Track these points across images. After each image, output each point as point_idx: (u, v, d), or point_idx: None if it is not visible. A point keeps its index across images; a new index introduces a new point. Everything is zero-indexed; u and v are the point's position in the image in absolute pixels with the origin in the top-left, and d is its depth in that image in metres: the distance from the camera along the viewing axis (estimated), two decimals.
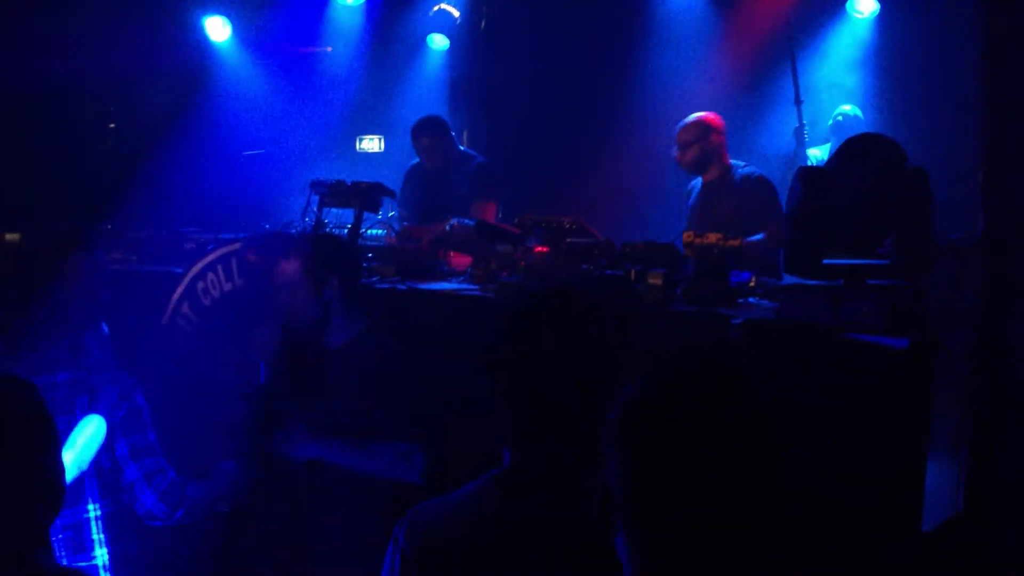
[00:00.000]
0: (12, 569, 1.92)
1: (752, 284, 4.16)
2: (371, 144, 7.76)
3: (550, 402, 1.96)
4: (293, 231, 4.91)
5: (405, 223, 5.76)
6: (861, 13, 6.59)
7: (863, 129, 6.35)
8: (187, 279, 4.69)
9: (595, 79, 7.23)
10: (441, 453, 3.45)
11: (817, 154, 6.30)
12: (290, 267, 3.58)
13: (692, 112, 5.62)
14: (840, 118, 6.46)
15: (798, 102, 6.08)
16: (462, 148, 6.20)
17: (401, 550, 1.98)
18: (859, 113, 6.44)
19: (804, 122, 6.15)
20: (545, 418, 1.97)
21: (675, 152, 5.57)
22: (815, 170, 3.72)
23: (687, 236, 4.22)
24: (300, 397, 3.52)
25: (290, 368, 3.64)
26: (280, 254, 3.64)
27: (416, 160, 6.16)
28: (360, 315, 3.64)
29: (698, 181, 5.66)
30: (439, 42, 7.73)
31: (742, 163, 5.57)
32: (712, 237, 4.18)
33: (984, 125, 3.44)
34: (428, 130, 5.98)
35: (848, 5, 6.60)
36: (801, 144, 6.03)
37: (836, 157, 3.71)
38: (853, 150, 3.64)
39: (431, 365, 3.62)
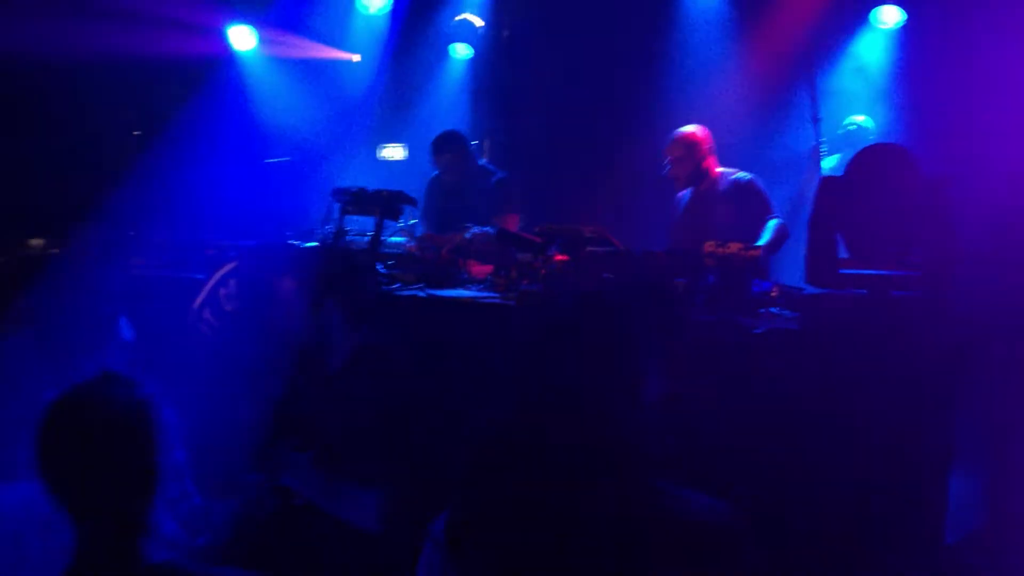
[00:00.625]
0: (116, 559, 2.05)
1: (774, 294, 4.14)
2: (393, 152, 7.78)
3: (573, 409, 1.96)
4: (292, 242, 4.90)
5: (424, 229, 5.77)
6: (885, 23, 6.56)
7: (873, 140, 6.33)
8: (209, 285, 4.71)
9: (616, 88, 7.22)
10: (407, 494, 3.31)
11: (829, 165, 6.27)
12: (285, 286, 3.44)
13: (712, 123, 5.63)
14: (852, 127, 6.42)
15: (815, 121, 6.03)
16: (481, 162, 6.20)
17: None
18: (871, 124, 6.41)
19: (822, 140, 6.11)
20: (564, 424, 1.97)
21: (666, 169, 5.62)
22: (837, 180, 3.70)
23: (708, 245, 4.20)
24: (304, 425, 3.40)
25: (295, 394, 3.51)
26: (275, 270, 3.50)
27: (436, 173, 6.18)
28: (360, 334, 3.45)
29: (686, 192, 5.71)
30: (462, 51, 7.75)
31: (731, 170, 5.59)
32: (734, 246, 4.17)
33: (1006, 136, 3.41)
34: (448, 145, 5.99)
35: (872, 15, 6.56)
36: (817, 163, 5.98)
37: (852, 167, 3.68)
38: (868, 160, 3.62)
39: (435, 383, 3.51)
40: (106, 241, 5.39)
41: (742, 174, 5.55)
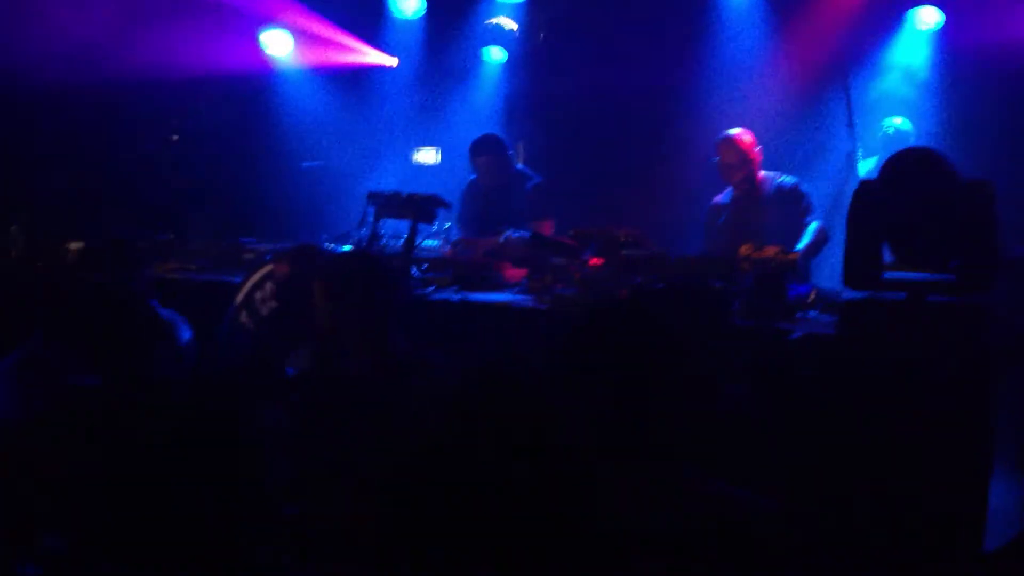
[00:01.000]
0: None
1: (811, 298, 4.12)
2: (427, 156, 7.80)
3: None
4: (326, 244, 4.91)
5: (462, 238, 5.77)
6: (926, 24, 6.49)
7: (912, 142, 6.26)
8: (245, 289, 4.74)
9: (651, 91, 7.19)
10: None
11: (867, 167, 6.22)
12: (314, 286, 3.43)
13: (749, 125, 5.60)
14: (891, 131, 6.36)
15: (851, 125, 5.98)
16: (519, 167, 6.20)
17: None
18: (910, 126, 6.34)
19: (858, 145, 6.06)
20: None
21: (722, 171, 5.59)
22: (875, 184, 3.66)
23: (745, 249, 4.20)
24: (320, 429, 3.31)
25: (313, 398, 3.48)
26: (308, 271, 3.50)
27: (473, 177, 6.18)
28: (390, 341, 3.39)
29: (723, 199, 5.69)
30: (496, 55, 7.77)
31: (774, 173, 5.57)
32: (771, 250, 4.15)
33: None
34: (486, 148, 5.99)
35: (910, 15, 6.50)
36: (852, 167, 5.93)
37: (886, 171, 3.63)
38: (902, 164, 3.59)
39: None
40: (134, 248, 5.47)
41: (786, 178, 5.53)
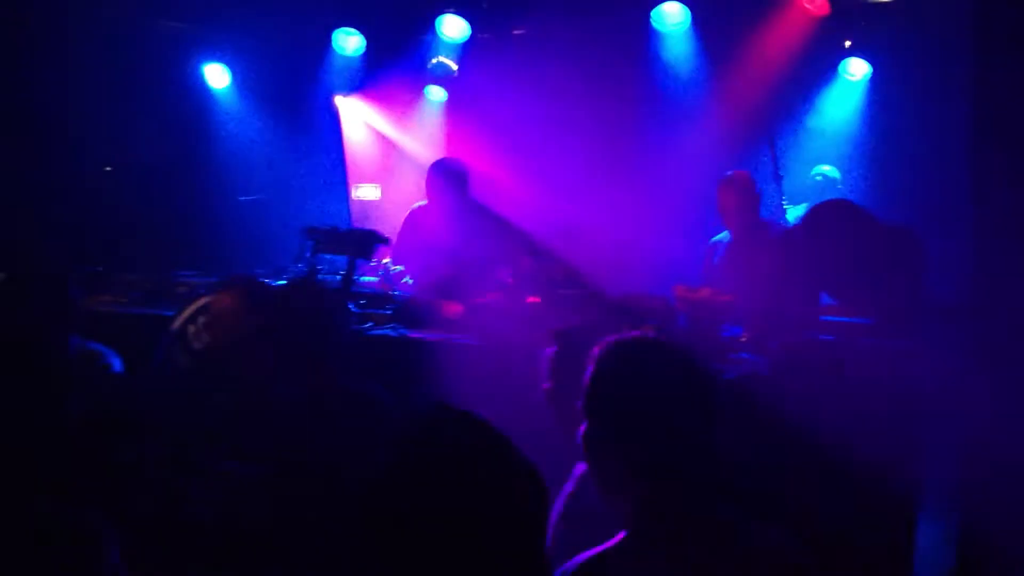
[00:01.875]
0: None
1: (744, 339, 4.18)
2: (368, 192, 7.80)
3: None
4: (262, 278, 4.85)
5: (397, 267, 5.68)
6: (853, 76, 6.68)
7: (839, 190, 6.42)
8: (179, 323, 4.67)
9: (590, 134, 7.29)
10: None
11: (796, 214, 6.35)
12: (245, 319, 3.37)
13: (685, 166, 5.66)
14: (819, 178, 6.53)
15: (777, 178, 6.10)
16: (472, 199, 6.14)
17: None
18: (837, 174, 6.51)
19: (784, 197, 6.17)
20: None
21: (721, 208, 5.51)
22: (801, 230, 3.75)
23: (679, 290, 4.24)
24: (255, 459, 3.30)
25: (244, 429, 3.48)
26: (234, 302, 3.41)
27: (419, 204, 6.10)
28: (317, 372, 3.37)
29: (724, 238, 5.65)
30: (437, 94, 7.81)
31: (774, 221, 5.59)
32: (705, 292, 4.21)
33: (973, 188, 3.47)
34: (443, 172, 5.90)
35: (840, 67, 6.69)
36: (782, 216, 6.03)
37: (809, 220, 3.71)
38: (824, 214, 3.67)
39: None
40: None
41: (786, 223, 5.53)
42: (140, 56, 7.44)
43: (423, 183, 5.96)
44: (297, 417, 3.33)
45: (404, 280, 5.44)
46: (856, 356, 3.45)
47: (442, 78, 7.74)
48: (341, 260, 5.00)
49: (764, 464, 3.28)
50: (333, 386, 3.37)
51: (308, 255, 4.99)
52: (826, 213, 3.68)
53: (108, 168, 7.92)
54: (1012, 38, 3.40)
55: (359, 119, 8.09)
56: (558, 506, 2.88)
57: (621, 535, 2.06)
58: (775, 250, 5.27)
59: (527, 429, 3.61)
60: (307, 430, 3.24)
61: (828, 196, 6.38)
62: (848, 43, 6.65)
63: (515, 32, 7.38)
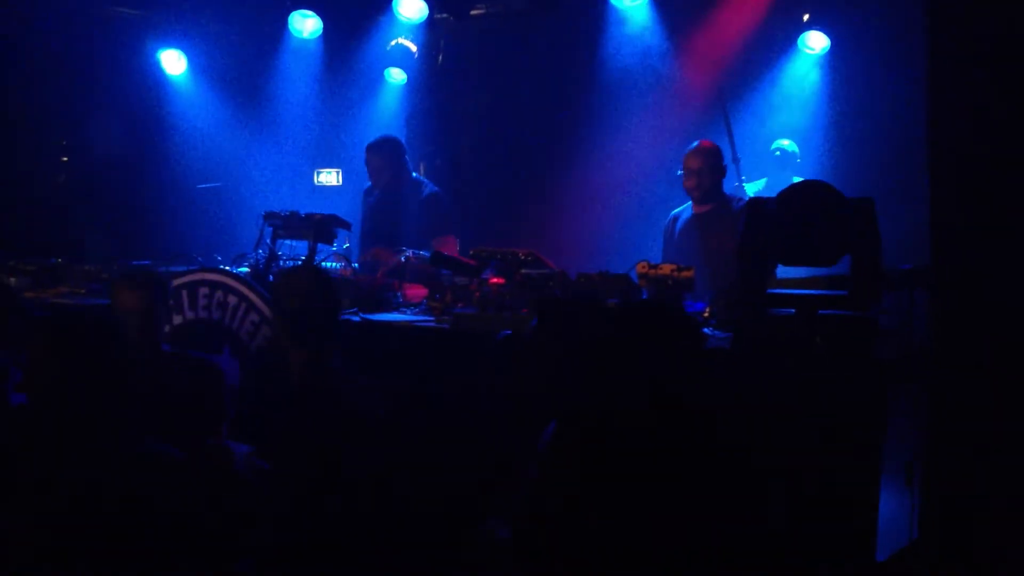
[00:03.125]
0: None
1: (706, 314, 4.18)
2: (329, 177, 7.73)
3: None
4: (222, 265, 4.84)
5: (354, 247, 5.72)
6: (812, 49, 6.69)
7: (798, 164, 6.42)
8: None
9: (549, 112, 7.28)
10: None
11: (755, 189, 6.36)
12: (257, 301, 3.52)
13: (644, 145, 5.65)
14: (777, 152, 6.54)
15: (735, 160, 6.10)
16: (415, 176, 6.17)
17: None
18: (795, 148, 6.53)
19: (743, 179, 6.18)
20: None
21: (686, 178, 5.45)
22: (766, 202, 3.74)
23: (641, 267, 4.23)
24: (262, 438, 3.44)
25: (251, 408, 3.57)
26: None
27: (368, 184, 6.15)
28: (320, 353, 3.49)
29: (685, 210, 5.62)
30: (397, 76, 7.75)
31: (737, 196, 5.57)
32: (666, 268, 4.20)
33: (929, 157, 3.48)
34: (378, 149, 5.97)
35: (799, 41, 6.69)
36: (742, 194, 6.03)
37: (780, 199, 3.70)
38: (794, 192, 3.66)
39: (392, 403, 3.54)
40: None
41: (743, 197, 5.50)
42: (94, 43, 7.35)
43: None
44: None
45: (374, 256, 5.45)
46: (817, 328, 3.45)
47: (402, 60, 7.68)
48: (301, 245, 4.96)
49: (727, 438, 3.28)
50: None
51: (267, 241, 4.94)
52: (798, 190, 3.67)
53: (64, 159, 7.82)
54: (963, 10, 3.41)
55: (316, 103, 8.01)
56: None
57: None
58: (736, 224, 5.35)
59: (490, 409, 3.62)
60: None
61: (787, 170, 6.40)
62: (807, 16, 6.65)
63: (473, 12, 7.31)
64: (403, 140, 6.34)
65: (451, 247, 5.58)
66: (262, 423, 3.53)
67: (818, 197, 3.56)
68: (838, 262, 3.51)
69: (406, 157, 6.07)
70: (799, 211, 3.56)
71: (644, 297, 4.20)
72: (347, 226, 5.12)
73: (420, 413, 3.65)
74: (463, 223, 6.01)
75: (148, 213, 7.45)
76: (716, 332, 4.03)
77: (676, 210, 5.66)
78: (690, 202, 5.56)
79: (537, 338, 3.05)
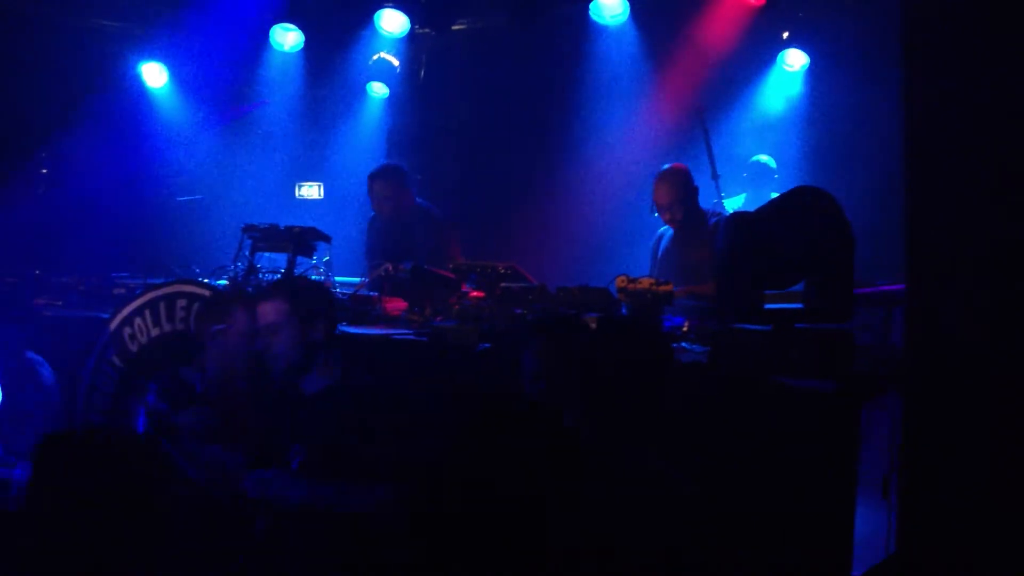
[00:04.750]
0: None
1: (685, 328, 4.19)
2: (311, 191, 7.71)
3: None
4: (200, 278, 4.84)
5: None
6: (791, 66, 6.74)
7: (775, 179, 6.46)
8: (113, 325, 4.61)
9: (529, 127, 7.30)
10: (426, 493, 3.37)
11: (735, 205, 6.39)
12: (274, 307, 3.52)
13: (624, 160, 5.67)
14: (754, 168, 6.58)
15: (715, 177, 6.14)
16: (419, 201, 6.16)
17: None
18: (773, 163, 6.56)
19: (722, 195, 6.21)
20: None
21: (660, 213, 5.48)
22: (745, 217, 3.77)
23: (621, 280, 4.25)
24: (277, 440, 3.46)
25: (267, 412, 3.60)
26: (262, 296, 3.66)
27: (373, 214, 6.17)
28: (338, 359, 3.59)
29: (667, 229, 5.64)
30: (379, 90, 7.75)
31: (714, 211, 5.60)
32: (645, 282, 4.21)
33: (908, 175, 3.51)
34: (381, 175, 5.98)
35: (779, 58, 6.74)
36: (721, 212, 6.06)
37: (772, 206, 3.73)
38: (789, 201, 3.68)
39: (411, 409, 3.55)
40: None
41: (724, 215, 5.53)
42: (75, 56, 7.32)
43: (365, 182, 6.00)
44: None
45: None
46: (793, 341, 3.47)
47: (383, 74, 7.69)
48: (281, 258, 4.95)
49: (705, 450, 3.29)
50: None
51: (246, 253, 4.93)
52: (788, 198, 3.69)
53: (44, 170, 7.77)
54: (942, 26, 3.44)
55: (297, 116, 8.00)
56: None
57: None
58: (712, 239, 5.38)
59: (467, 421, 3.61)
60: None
61: (764, 185, 6.44)
62: (786, 34, 6.70)
63: (455, 27, 7.34)
64: (383, 156, 6.36)
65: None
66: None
67: (797, 207, 3.58)
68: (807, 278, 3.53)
69: (406, 181, 6.07)
70: (776, 223, 3.58)
71: (623, 311, 4.22)
72: (327, 239, 5.11)
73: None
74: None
75: (128, 225, 7.40)
76: (694, 347, 4.05)
77: (662, 228, 5.70)
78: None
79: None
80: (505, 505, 2.02)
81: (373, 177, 6.02)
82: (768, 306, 3.58)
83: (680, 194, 5.41)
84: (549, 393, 3.07)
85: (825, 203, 3.58)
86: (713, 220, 5.43)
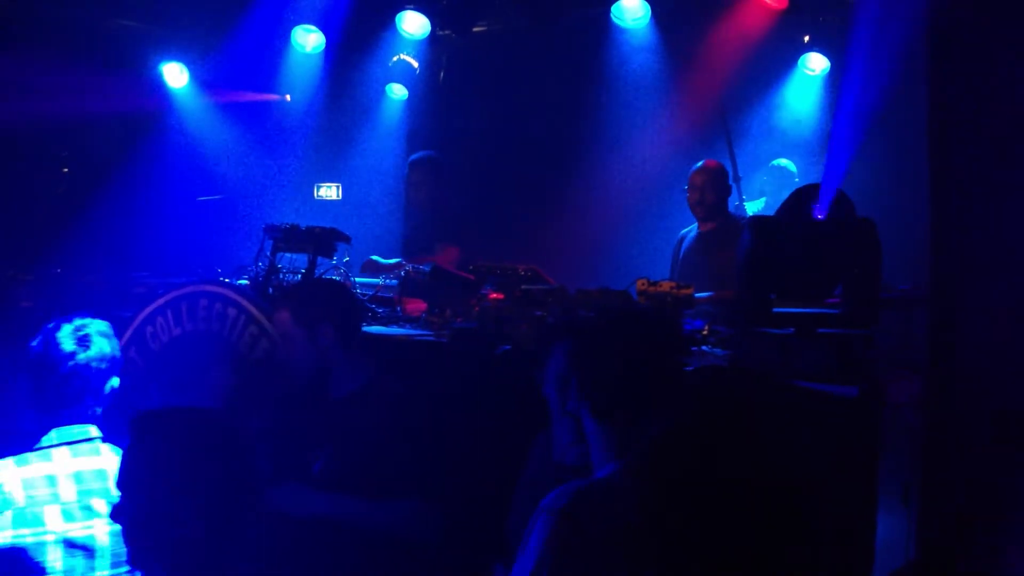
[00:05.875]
0: None
1: (705, 332, 4.18)
2: (329, 192, 7.73)
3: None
4: (221, 278, 4.87)
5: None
6: (813, 70, 6.72)
7: (796, 183, 6.44)
8: (135, 323, 4.63)
9: (550, 130, 7.29)
10: (458, 508, 3.39)
11: (755, 208, 6.38)
12: (282, 317, 3.54)
13: (645, 163, 5.68)
14: (775, 172, 6.56)
15: (736, 179, 6.14)
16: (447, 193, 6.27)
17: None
18: (794, 167, 6.55)
19: (743, 198, 6.21)
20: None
21: (690, 194, 5.56)
22: (765, 220, 3.76)
23: (641, 284, 4.23)
24: (301, 450, 3.45)
25: (290, 420, 3.59)
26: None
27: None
28: (366, 364, 3.56)
29: (691, 230, 5.66)
30: (398, 92, 7.77)
31: (740, 216, 5.60)
32: (665, 285, 4.20)
33: (931, 179, 3.50)
34: (419, 167, 6.08)
35: (800, 61, 6.72)
36: (742, 215, 6.05)
37: (787, 206, 3.73)
38: (804, 198, 3.68)
39: (441, 416, 3.55)
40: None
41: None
42: (97, 56, 7.35)
43: (384, 183, 6.08)
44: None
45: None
46: (815, 346, 3.46)
47: (403, 76, 7.71)
48: (301, 258, 4.96)
49: (721, 453, 3.28)
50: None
51: (267, 254, 4.94)
52: (804, 198, 3.68)
53: (65, 169, 7.82)
54: (966, 33, 3.43)
55: (317, 117, 8.03)
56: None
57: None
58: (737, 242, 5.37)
59: (492, 426, 3.62)
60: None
61: (785, 188, 6.41)
62: (807, 38, 6.68)
63: (475, 29, 7.35)
64: (403, 158, 6.44)
65: (451, 256, 5.62)
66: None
67: (818, 210, 3.57)
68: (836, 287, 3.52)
69: (442, 171, 6.20)
70: (799, 227, 3.57)
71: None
72: (347, 240, 5.12)
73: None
74: (463, 238, 6.02)
75: (149, 224, 7.45)
76: (715, 350, 4.04)
77: (684, 230, 5.71)
78: (696, 222, 5.59)
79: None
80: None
81: (411, 167, 6.21)
82: (790, 310, 3.57)
83: (714, 181, 5.51)
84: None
85: (841, 202, 3.58)
86: (741, 223, 5.42)
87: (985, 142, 3.35)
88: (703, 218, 5.55)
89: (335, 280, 4.47)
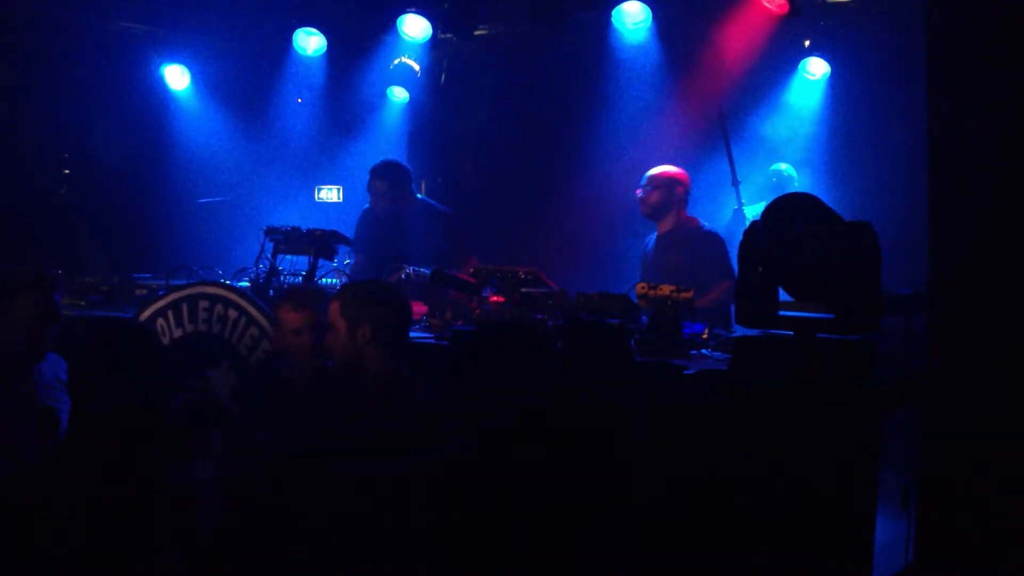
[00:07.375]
0: None
1: (705, 336, 4.19)
2: (330, 194, 7.75)
3: None
4: (222, 280, 4.88)
5: (355, 267, 5.77)
6: (813, 75, 6.73)
7: (793, 187, 6.46)
8: (144, 318, 4.64)
9: (550, 133, 7.31)
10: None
11: (754, 212, 6.39)
12: (333, 306, 3.69)
13: (645, 167, 5.70)
14: (775, 178, 6.58)
15: (735, 183, 6.16)
16: (421, 197, 6.20)
17: None
18: (793, 172, 6.56)
19: (743, 202, 6.22)
20: None
21: (639, 192, 5.62)
22: (762, 225, 3.75)
23: (641, 287, 4.25)
24: (322, 444, 3.50)
25: (316, 414, 3.69)
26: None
27: (367, 206, 6.16)
28: (400, 367, 3.67)
29: (653, 234, 5.71)
30: (399, 95, 7.79)
31: (697, 220, 5.63)
32: (666, 289, 4.21)
33: (930, 183, 3.51)
34: (382, 172, 5.98)
35: (800, 66, 6.73)
36: (740, 223, 6.07)
37: (769, 215, 3.70)
38: (783, 208, 3.66)
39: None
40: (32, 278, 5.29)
41: (709, 227, 5.60)
42: (99, 57, 7.37)
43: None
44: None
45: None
46: (815, 350, 3.46)
47: (404, 79, 7.72)
48: (302, 260, 4.98)
49: (723, 457, 3.30)
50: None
51: (268, 255, 4.95)
52: (788, 206, 3.68)
53: (66, 171, 7.83)
54: (963, 39, 3.44)
55: (318, 120, 8.04)
56: None
57: None
58: (691, 245, 5.46)
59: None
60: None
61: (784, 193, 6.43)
62: (807, 42, 6.69)
63: (477, 32, 7.36)
64: (404, 160, 6.38)
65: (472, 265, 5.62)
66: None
67: (809, 215, 3.57)
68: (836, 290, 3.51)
69: (411, 181, 6.08)
70: (794, 233, 3.57)
71: (643, 319, 4.22)
72: (348, 242, 5.15)
73: None
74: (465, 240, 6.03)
75: (150, 226, 7.47)
76: (714, 354, 4.05)
77: (650, 235, 5.77)
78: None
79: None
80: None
81: (373, 173, 6.02)
82: (789, 314, 3.57)
83: (657, 183, 5.56)
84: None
85: (823, 210, 3.58)
86: (691, 228, 5.55)
87: (985, 142, 3.36)
88: (648, 215, 5.66)
89: (388, 286, 4.42)
